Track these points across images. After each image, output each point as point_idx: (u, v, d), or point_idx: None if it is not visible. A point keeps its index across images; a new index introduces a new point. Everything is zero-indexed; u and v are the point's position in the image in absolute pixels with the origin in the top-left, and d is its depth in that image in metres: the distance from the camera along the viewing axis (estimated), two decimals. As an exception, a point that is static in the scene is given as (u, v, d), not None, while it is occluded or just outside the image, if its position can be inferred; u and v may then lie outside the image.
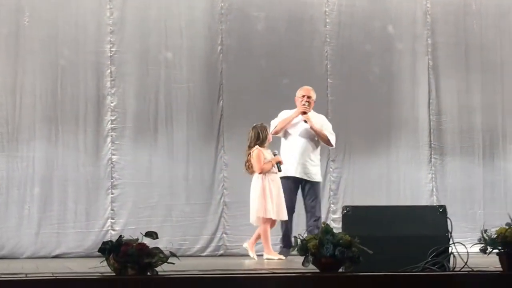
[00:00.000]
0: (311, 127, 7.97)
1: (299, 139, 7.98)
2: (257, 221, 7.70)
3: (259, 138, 7.71)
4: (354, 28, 9.54)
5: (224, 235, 9.02)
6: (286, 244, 7.83)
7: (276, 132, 8.00)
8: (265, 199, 7.59)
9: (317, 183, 8.08)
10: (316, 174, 8.05)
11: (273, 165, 7.68)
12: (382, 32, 9.59)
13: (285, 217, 7.68)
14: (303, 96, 8.01)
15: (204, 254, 8.89)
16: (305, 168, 7.96)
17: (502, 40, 9.80)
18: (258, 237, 7.77)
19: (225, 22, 9.25)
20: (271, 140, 7.80)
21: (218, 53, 9.22)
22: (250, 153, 7.72)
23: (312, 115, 8.06)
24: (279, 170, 7.70)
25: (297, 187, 8.00)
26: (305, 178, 7.97)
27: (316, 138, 8.05)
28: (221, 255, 8.92)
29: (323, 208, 9.19)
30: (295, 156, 7.96)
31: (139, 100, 9.01)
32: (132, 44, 9.05)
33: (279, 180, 7.72)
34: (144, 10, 9.11)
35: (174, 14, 9.19)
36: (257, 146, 7.69)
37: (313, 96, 8.07)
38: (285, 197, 7.73)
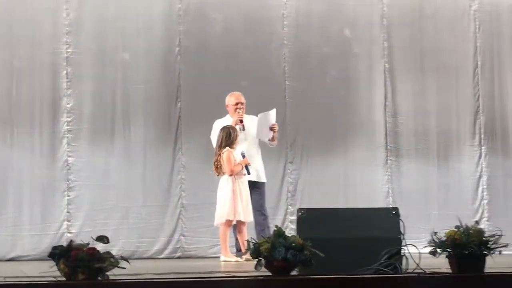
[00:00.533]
0: (274, 138, 8.00)
1: (243, 145, 7.94)
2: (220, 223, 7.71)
3: (229, 138, 7.71)
4: (311, 30, 9.59)
5: (182, 237, 9.00)
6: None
7: None
8: (235, 201, 7.61)
9: (264, 183, 8.13)
10: (263, 175, 8.12)
11: (242, 167, 7.70)
12: (339, 35, 9.65)
13: (251, 218, 7.71)
14: (236, 103, 8.00)
15: (162, 256, 8.86)
16: (256, 171, 7.98)
17: (457, 44, 9.93)
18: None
19: (183, 24, 9.23)
20: (239, 141, 7.80)
21: (176, 54, 9.20)
22: (220, 154, 7.70)
23: (249, 118, 8.06)
24: (248, 173, 7.72)
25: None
26: (256, 180, 8.01)
27: (257, 140, 8.07)
28: (178, 257, 8.89)
29: (281, 210, 9.27)
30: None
31: (95, 102, 8.95)
32: (89, 45, 8.98)
33: (247, 182, 7.75)
34: (101, 10, 9.05)
35: (132, 15, 9.14)
36: (227, 148, 7.69)
37: (244, 100, 8.08)
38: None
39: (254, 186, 7.98)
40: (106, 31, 9.05)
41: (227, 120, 8.06)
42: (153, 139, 9.05)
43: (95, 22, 9.02)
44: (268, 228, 7.88)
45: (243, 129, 7.96)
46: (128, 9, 9.12)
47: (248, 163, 7.72)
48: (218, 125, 8.02)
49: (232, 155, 7.68)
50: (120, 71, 9.05)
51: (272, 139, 8.16)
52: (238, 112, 7.97)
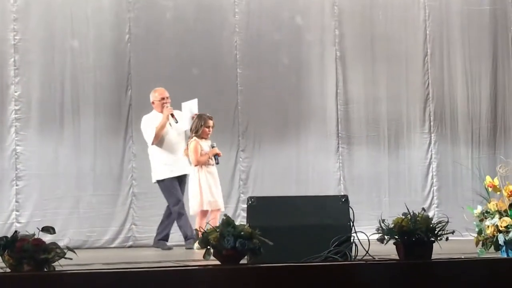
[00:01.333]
0: None
1: (170, 139, 7.94)
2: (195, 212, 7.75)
3: (196, 128, 7.75)
4: (263, 18, 9.57)
5: (133, 226, 8.94)
6: (187, 236, 7.86)
7: (156, 141, 7.92)
8: (201, 192, 7.64)
9: (186, 175, 8.01)
10: (188, 167, 7.99)
11: (210, 158, 7.72)
12: (291, 23, 9.65)
13: (219, 206, 7.72)
14: (162, 98, 7.98)
15: (113, 245, 8.79)
16: (183, 163, 7.92)
17: (407, 32, 10.00)
18: None
19: (133, 11, 9.12)
20: (207, 134, 7.81)
21: (126, 42, 9.10)
22: (187, 143, 7.77)
23: (175, 113, 7.99)
24: (217, 163, 7.78)
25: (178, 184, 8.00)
26: (185, 173, 7.95)
27: (185, 133, 8.02)
28: (130, 247, 8.84)
29: (233, 198, 9.26)
30: (172, 156, 7.93)
31: (44, 90, 8.81)
32: (37, 32, 8.83)
33: (216, 171, 7.79)
34: (49, -4, 8.91)
35: (80, 2, 9.00)
36: (194, 138, 7.70)
37: (168, 95, 8.05)
38: (176, 195, 7.81)
39: (183, 180, 7.95)
40: (54, 18, 8.91)
41: (155, 116, 8.00)
42: (103, 128, 8.95)
43: (43, 9, 8.87)
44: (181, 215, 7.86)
45: (176, 122, 7.91)
46: (77, -5, 9.00)
47: (218, 153, 7.78)
48: (146, 120, 8.01)
49: (199, 145, 7.69)
50: (69, 59, 8.92)
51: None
52: (167, 107, 7.91)
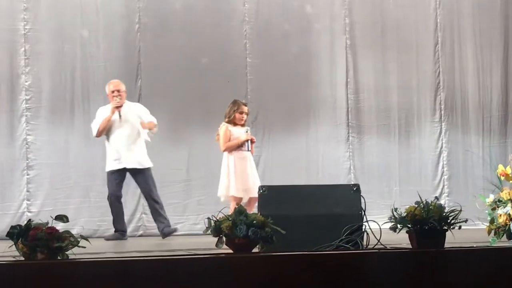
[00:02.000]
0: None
1: (121, 131, 7.82)
2: (225, 198, 7.60)
3: (229, 114, 7.64)
4: (272, 7, 9.54)
5: (144, 215, 8.95)
6: (118, 229, 7.93)
7: (100, 134, 7.88)
8: (229, 178, 7.49)
9: (148, 168, 7.93)
10: (146, 161, 7.93)
11: (240, 144, 7.54)
12: (300, 12, 9.62)
13: (251, 194, 7.44)
14: (113, 91, 7.90)
15: (123, 235, 8.80)
16: (135, 157, 7.84)
17: (418, 20, 9.96)
18: None
19: (143, 0, 9.12)
20: (240, 121, 7.64)
21: (136, 31, 9.10)
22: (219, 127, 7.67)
23: (128, 105, 7.94)
24: (248, 149, 7.59)
25: (124, 178, 7.93)
26: (139, 167, 7.85)
27: (138, 127, 7.90)
28: (140, 236, 8.86)
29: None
30: (122, 148, 7.82)
31: (54, 79, 8.82)
32: (47, 22, 8.84)
33: (250, 157, 7.64)
34: (59, -14, 8.91)
35: (90, -9, 9.01)
36: (224, 123, 7.61)
37: (122, 88, 7.94)
38: (110, 188, 7.79)
39: (138, 173, 7.87)
40: (64, 8, 8.91)
41: (107, 109, 7.90)
42: (114, 117, 8.94)
43: (52, -2, 8.88)
44: (162, 217, 7.83)
45: (120, 117, 7.78)
46: (87, -16, 8.99)
47: (250, 139, 7.59)
48: (101, 112, 7.93)
49: (229, 131, 7.56)
50: (79, 48, 8.93)
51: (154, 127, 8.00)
52: (115, 100, 7.81)
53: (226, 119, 7.67)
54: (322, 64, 9.69)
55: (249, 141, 7.61)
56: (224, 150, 7.61)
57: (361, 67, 9.76)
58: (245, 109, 7.72)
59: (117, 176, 7.88)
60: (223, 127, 7.60)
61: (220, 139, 7.61)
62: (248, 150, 7.61)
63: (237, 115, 7.64)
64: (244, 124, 7.74)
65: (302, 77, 9.59)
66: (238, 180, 7.49)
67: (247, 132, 7.61)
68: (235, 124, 7.65)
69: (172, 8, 9.25)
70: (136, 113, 7.95)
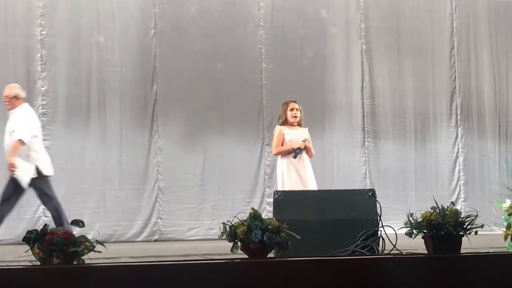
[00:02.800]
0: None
1: (5, 138, 7.20)
2: None
3: (280, 115, 7.26)
4: (287, 12, 9.55)
5: (159, 220, 8.96)
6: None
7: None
8: (283, 182, 7.11)
9: (46, 176, 7.27)
10: (46, 168, 7.27)
11: (291, 150, 7.03)
12: (316, 16, 9.63)
13: None
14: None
15: (139, 239, 8.83)
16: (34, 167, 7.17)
17: (433, 25, 9.94)
18: None
19: (158, 5, 9.15)
20: (292, 118, 7.13)
21: (151, 36, 9.12)
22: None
23: (12, 116, 7.14)
24: (294, 157, 7.04)
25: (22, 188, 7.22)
26: (37, 176, 7.16)
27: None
28: (156, 241, 8.87)
29: (258, 192, 9.24)
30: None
31: (70, 85, 8.86)
32: (63, 27, 8.88)
33: (302, 162, 7.08)
34: (75, -8, 8.95)
35: (106, -3, 9.05)
36: (277, 126, 7.25)
37: (6, 92, 7.17)
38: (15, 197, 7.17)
39: (39, 179, 7.19)
40: (80, 13, 8.95)
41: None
42: (129, 122, 8.98)
43: (69, 4, 8.92)
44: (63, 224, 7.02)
45: (294, 157, 7.11)
46: (102, -10, 9.03)
47: (299, 147, 7.01)
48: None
49: (282, 134, 7.13)
50: (95, 54, 8.97)
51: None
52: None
53: (280, 121, 7.26)
54: (338, 69, 9.68)
55: (300, 150, 7.05)
56: (275, 154, 7.28)
57: (377, 71, 9.74)
58: (295, 105, 7.24)
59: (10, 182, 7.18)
60: (277, 130, 7.23)
61: (273, 142, 7.26)
62: (294, 158, 7.05)
63: (288, 113, 7.21)
64: (300, 122, 7.24)
65: (317, 82, 9.58)
66: (292, 185, 7.08)
67: (305, 140, 7.08)
68: (291, 125, 7.21)
69: (187, 13, 9.27)
70: (8, 129, 7.21)
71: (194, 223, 8.89)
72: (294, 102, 7.26)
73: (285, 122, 7.19)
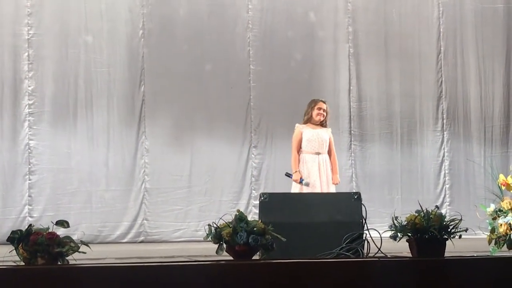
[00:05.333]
0: None
1: None
2: None
3: (304, 113, 7.17)
4: (276, 14, 9.56)
5: (145, 221, 8.96)
6: None
7: None
8: (302, 173, 7.13)
9: None
10: None
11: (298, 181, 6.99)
12: (304, 19, 9.65)
13: None
14: None
15: (125, 240, 8.83)
16: None
17: (420, 29, 9.98)
18: None
19: (147, 6, 9.15)
20: (317, 116, 7.10)
21: (140, 37, 9.12)
22: None
23: None
24: (299, 183, 7.08)
25: None
26: None
27: None
28: (141, 242, 8.87)
29: (244, 194, 9.25)
30: None
31: (57, 84, 8.85)
32: (51, 27, 8.87)
33: (319, 161, 7.12)
34: (63, -8, 8.93)
35: (94, -3, 9.04)
36: (297, 124, 7.18)
37: None
38: None
39: None
40: (68, 13, 8.94)
41: None
42: (117, 123, 8.98)
43: (57, 4, 8.91)
44: None
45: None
46: (91, -10, 9.02)
47: (297, 180, 7.04)
48: None
49: (300, 134, 7.07)
50: (83, 54, 8.96)
51: None
52: None
53: (305, 118, 7.17)
54: (325, 72, 9.70)
55: (303, 181, 7.04)
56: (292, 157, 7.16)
57: (364, 75, 9.77)
58: (323, 105, 7.19)
59: None
60: (296, 129, 7.18)
61: (292, 142, 7.20)
62: (299, 183, 7.05)
63: (315, 112, 7.15)
64: (323, 123, 7.20)
65: (305, 85, 9.60)
66: (310, 184, 7.07)
67: (306, 185, 7.01)
68: (314, 123, 7.16)
69: (176, 14, 9.28)
70: None
71: (180, 224, 8.89)
72: (323, 102, 7.26)
73: (310, 120, 7.17)
